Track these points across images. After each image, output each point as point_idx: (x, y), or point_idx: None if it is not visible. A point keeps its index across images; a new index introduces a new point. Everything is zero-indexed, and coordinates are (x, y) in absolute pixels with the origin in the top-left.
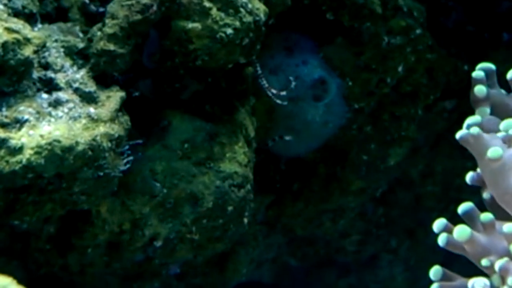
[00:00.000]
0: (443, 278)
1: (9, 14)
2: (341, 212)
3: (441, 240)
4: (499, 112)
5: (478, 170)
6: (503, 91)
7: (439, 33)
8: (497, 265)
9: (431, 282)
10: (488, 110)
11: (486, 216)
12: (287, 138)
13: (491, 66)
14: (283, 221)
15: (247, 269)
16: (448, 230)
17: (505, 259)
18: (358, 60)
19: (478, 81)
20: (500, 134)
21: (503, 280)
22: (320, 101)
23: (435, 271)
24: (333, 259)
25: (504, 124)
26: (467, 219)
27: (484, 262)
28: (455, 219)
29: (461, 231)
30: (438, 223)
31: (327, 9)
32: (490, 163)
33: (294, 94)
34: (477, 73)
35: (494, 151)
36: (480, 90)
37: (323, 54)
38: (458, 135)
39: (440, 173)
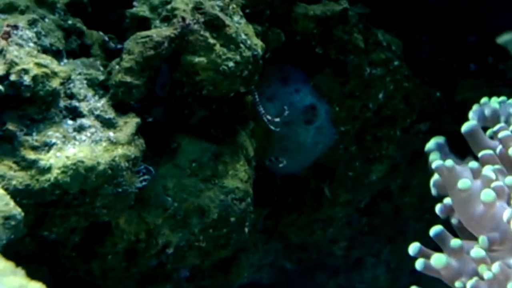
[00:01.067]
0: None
1: (38, 51)
2: (330, 222)
3: (419, 265)
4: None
5: (445, 201)
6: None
7: (414, 64)
8: (469, 285)
9: (410, 281)
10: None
11: (456, 242)
12: (282, 161)
13: (440, 140)
14: (280, 229)
15: (248, 272)
16: (422, 253)
17: (475, 278)
18: (344, 88)
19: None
20: (470, 164)
21: None
22: (311, 124)
23: (413, 248)
24: (323, 263)
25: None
26: (438, 240)
27: (458, 284)
28: (428, 228)
29: (438, 259)
30: (413, 247)
31: (316, 44)
32: (460, 193)
33: (288, 119)
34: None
35: (463, 183)
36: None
37: (313, 83)
38: (433, 165)
39: (416, 186)
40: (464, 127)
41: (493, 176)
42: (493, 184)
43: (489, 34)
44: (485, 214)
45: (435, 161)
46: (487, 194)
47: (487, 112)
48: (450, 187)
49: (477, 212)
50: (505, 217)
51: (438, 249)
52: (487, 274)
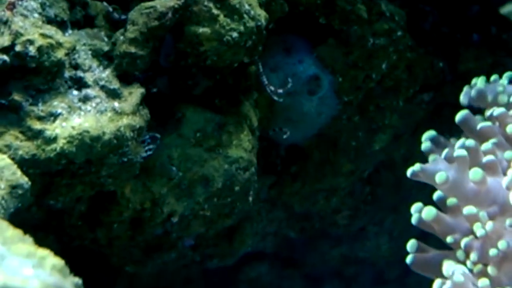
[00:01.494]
0: (418, 250)
1: (43, 22)
2: (333, 191)
3: (414, 219)
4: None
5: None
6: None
7: (417, 34)
8: (463, 243)
9: None
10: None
11: (451, 200)
12: (286, 131)
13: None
14: (283, 199)
15: (252, 241)
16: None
17: (470, 237)
18: (347, 59)
19: (429, 153)
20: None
21: (467, 255)
22: (314, 95)
23: (411, 244)
24: (327, 232)
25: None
26: (440, 204)
27: (449, 239)
28: (431, 196)
29: (428, 212)
30: (415, 206)
31: (320, 15)
32: (442, 186)
33: (291, 89)
34: (425, 145)
35: (439, 177)
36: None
37: (317, 54)
38: (408, 173)
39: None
40: (458, 117)
41: (464, 153)
42: (485, 159)
43: (492, 5)
44: (479, 191)
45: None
46: (475, 173)
47: (473, 93)
48: (433, 183)
49: (470, 192)
50: (504, 183)
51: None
52: (480, 232)
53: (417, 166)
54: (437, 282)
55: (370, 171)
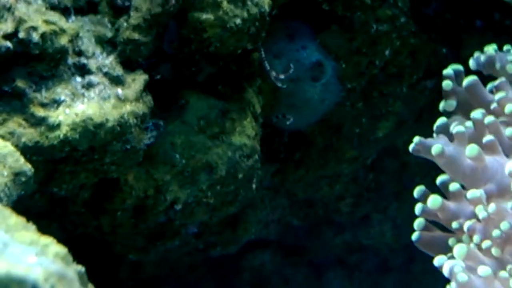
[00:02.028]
0: (424, 228)
1: (46, 8)
2: (337, 178)
3: (417, 209)
4: (463, 108)
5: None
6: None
7: (421, 20)
8: (466, 226)
9: None
10: (454, 103)
11: (454, 186)
12: (289, 118)
13: (459, 67)
14: (287, 186)
15: (255, 228)
16: (426, 195)
17: (473, 220)
18: (351, 45)
19: (447, 77)
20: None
21: (471, 238)
22: (318, 81)
23: (418, 222)
24: (330, 219)
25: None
26: (443, 188)
27: (454, 224)
28: (435, 183)
29: (434, 201)
30: (418, 190)
31: (323, 1)
32: (439, 159)
33: (294, 76)
34: (447, 71)
35: (435, 149)
36: (447, 84)
37: (320, 40)
38: (410, 148)
39: None
40: (465, 82)
41: (462, 129)
42: (484, 139)
43: None
44: (476, 168)
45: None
46: (471, 149)
47: (483, 58)
48: (431, 157)
49: (467, 168)
50: (507, 169)
51: None
52: (482, 214)
53: (416, 139)
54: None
55: (373, 158)
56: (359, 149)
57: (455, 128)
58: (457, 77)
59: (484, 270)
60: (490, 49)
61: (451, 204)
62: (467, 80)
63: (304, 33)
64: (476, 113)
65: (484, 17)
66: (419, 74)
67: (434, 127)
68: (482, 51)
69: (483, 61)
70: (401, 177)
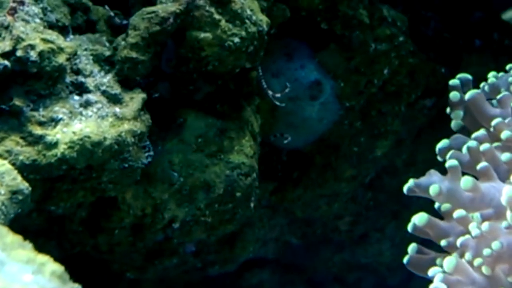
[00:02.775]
0: (418, 253)
1: (44, 27)
2: (335, 197)
3: (410, 227)
4: (471, 115)
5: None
6: None
7: (419, 40)
8: (459, 241)
9: None
10: (461, 113)
11: (445, 206)
12: (287, 137)
13: (467, 76)
14: (285, 205)
15: (254, 247)
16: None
17: (467, 236)
18: (349, 64)
19: (454, 88)
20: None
21: (463, 255)
22: (316, 100)
23: (412, 247)
24: (328, 238)
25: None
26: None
27: (443, 242)
28: (433, 202)
29: (420, 218)
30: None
31: (322, 20)
32: (437, 198)
33: (293, 94)
34: (454, 81)
35: (433, 189)
36: (454, 95)
37: (319, 59)
38: (405, 189)
39: (421, 162)
40: (468, 95)
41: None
42: (478, 167)
43: (495, 10)
44: (473, 198)
45: (407, 184)
46: (465, 182)
47: (486, 88)
48: (429, 195)
49: (466, 200)
50: (503, 194)
51: None
52: (475, 232)
53: (411, 182)
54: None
55: (372, 177)
56: (357, 168)
57: (448, 162)
58: (464, 87)
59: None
60: (492, 76)
61: (441, 222)
62: (470, 94)
63: (302, 52)
64: (471, 142)
65: (483, 37)
66: (418, 93)
67: (437, 150)
68: (481, 70)
69: (488, 90)
70: (399, 196)
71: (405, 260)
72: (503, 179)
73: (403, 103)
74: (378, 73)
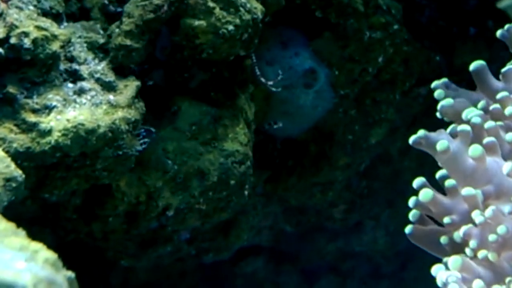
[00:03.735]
0: (419, 220)
1: (38, 14)
2: (330, 185)
3: (411, 202)
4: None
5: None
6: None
7: (414, 28)
8: (462, 231)
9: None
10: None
11: (450, 182)
12: (278, 123)
13: (445, 80)
14: (279, 193)
15: (248, 235)
16: (424, 187)
17: (469, 225)
18: (344, 52)
19: (437, 87)
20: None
21: (466, 243)
22: (311, 88)
23: (413, 213)
24: (323, 226)
25: (464, 113)
26: (442, 182)
27: (446, 219)
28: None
29: (425, 193)
30: (417, 181)
31: (316, 8)
32: (442, 156)
33: (287, 82)
34: (436, 83)
35: (441, 144)
36: (439, 94)
37: (313, 47)
38: (410, 140)
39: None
40: (472, 66)
41: (469, 129)
42: (485, 140)
43: None
44: (477, 168)
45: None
46: (475, 149)
47: (506, 27)
48: (433, 152)
49: (468, 168)
50: (505, 170)
51: None
52: (479, 219)
53: (421, 132)
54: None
55: (366, 165)
56: (352, 156)
57: (460, 126)
58: (447, 88)
59: (478, 284)
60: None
61: (444, 199)
62: (474, 64)
63: (297, 40)
64: (475, 118)
65: (477, 25)
66: (412, 81)
67: (439, 107)
68: (475, 59)
69: (506, 31)
70: (394, 184)
71: (407, 230)
72: (506, 159)
73: (398, 91)
74: (372, 61)
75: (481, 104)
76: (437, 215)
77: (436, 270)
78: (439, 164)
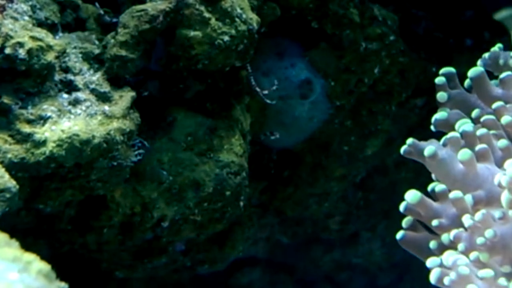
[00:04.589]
0: (411, 227)
1: (33, 24)
2: (326, 196)
3: (402, 207)
4: (461, 109)
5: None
6: (463, 91)
7: (410, 39)
8: (452, 234)
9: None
10: (448, 110)
11: (439, 187)
12: (275, 134)
13: (451, 70)
14: (275, 204)
15: (243, 246)
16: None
17: (461, 229)
18: (340, 63)
19: (440, 87)
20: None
21: (455, 246)
22: (306, 99)
23: (406, 220)
24: (319, 237)
25: (457, 124)
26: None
27: (434, 222)
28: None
29: (413, 196)
30: (409, 194)
31: (312, 19)
32: (430, 161)
33: (283, 93)
34: (439, 79)
35: (428, 150)
36: (441, 96)
37: (309, 57)
38: (401, 151)
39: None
40: (471, 72)
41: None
42: (477, 147)
43: (486, 10)
44: (467, 173)
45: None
46: (464, 153)
47: (487, 55)
48: (423, 160)
49: (458, 173)
50: (496, 180)
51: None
52: (468, 222)
53: (409, 141)
54: (434, 272)
55: (362, 176)
56: (348, 167)
57: (450, 133)
58: (450, 82)
59: (485, 272)
60: (495, 47)
61: (433, 203)
62: (473, 71)
63: (293, 51)
64: (467, 126)
65: (474, 36)
66: (409, 92)
67: (432, 120)
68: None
69: (487, 57)
70: (390, 196)
71: (398, 236)
72: (498, 166)
73: (394, 102)
74: (368, 72)
75: (475, 112)
76: (426, 219)
77: (432, 263)
78: (429, 169)
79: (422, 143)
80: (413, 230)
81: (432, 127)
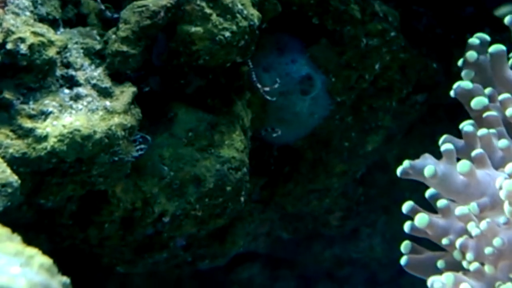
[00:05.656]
0: (412, 251)
1: (35, 20)
2: (326, 192)
3: (406, 227)
4: (481, 76)
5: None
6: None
7: (411, 35)
8: (458, 243)
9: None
10: (473, 73)
11: (442, 202)
12: (277, 130)
13: (486, 36)
14: (276, 199)
15: (244, 242)
16: (414, 211)
17: (465, 236)
18: (340, 59)
19: (471, 47)
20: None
21: (463, 255)
22: (307, 95)
23: (405, 245)
24: (319, 233)
25: (473, 102)
26: (432, 201)
27: (444, 241)
28: (424, 197)
29: (421, 219)
30: (406, 205)
31: (313, 15)
32: (431, 180)
33: (284, 89)
34: (472, 40)
35: (428, 170)
36: (471, 55)
37: (310, 53)
38: (398, 172)
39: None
40: (492, 48)
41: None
42: (473, 153)
43: (486, 6)
44: (469, 183)
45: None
46: (463, 165)
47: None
48: (423, 179)
49: (460, 186)
50: (498, 184)
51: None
52: (475, 231)
53: (406, 163)
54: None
55: (363, 172)
56: (348, 163)
57: (443, 146)
58: (482, 45)
59: None
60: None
61: (439, 221)
62: (495, 48)
63: (293, 47)
64: (467, 126)
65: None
66: (409, 88)
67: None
68: None
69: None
70: (390, 191)
71: (402, 261)
72: (497, 167)
73: (395, 98)
74: (369, 68)
75: (488, 90)
76: (434, 238)
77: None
78: (430, 186)
79: (419, 162)
80: (415, 253)
81: (451, 93)
